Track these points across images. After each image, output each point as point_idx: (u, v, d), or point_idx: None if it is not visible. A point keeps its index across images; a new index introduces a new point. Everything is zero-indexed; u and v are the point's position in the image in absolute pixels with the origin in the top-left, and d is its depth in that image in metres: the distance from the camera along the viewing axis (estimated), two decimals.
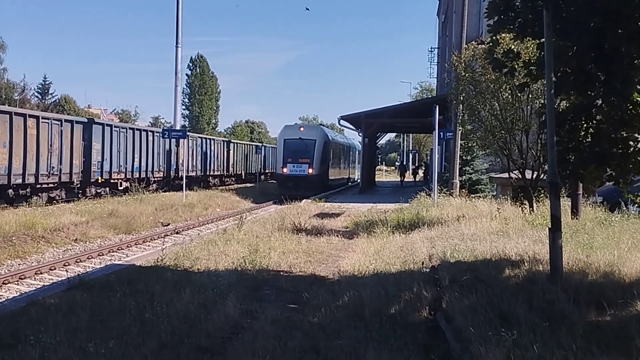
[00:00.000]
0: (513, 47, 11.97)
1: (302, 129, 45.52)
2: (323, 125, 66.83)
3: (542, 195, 18.52)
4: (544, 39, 8.64)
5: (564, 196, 15.62)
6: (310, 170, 42.38)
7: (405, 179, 60.40)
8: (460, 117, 21.82)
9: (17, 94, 69.95)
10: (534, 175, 17.98)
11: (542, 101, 14.30)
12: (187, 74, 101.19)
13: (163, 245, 16.69)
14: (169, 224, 26.31)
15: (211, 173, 47.99)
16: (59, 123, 28.56)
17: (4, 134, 24.48)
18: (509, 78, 13.48)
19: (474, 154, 29.13)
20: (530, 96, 17.41)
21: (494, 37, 9.61)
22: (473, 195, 25.58)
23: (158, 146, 38.80)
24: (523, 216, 16.94)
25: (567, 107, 9.46)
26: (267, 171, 61.65)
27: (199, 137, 47.84)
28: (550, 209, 9.35)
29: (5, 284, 14.62)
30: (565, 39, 8.50)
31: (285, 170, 42.60)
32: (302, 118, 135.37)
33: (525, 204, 18.21)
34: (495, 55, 9.76)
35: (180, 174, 38.81)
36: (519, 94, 17.30)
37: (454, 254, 12.41)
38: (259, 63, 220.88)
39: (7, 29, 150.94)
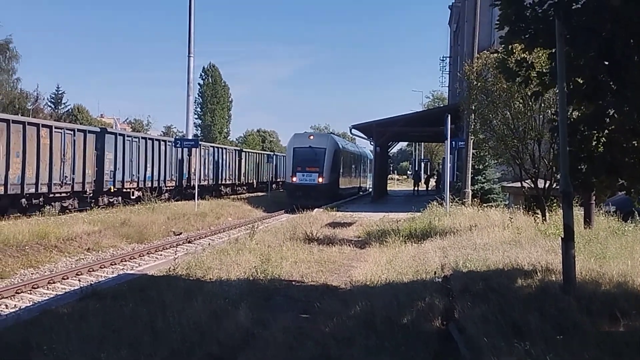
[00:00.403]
0: (525, 56, 11.94)
1: (312, 137, 44.22)
2: (334, 133, 66.04)
3: (554, 204, 18.45)
4: (555, 49, 8.63)
5: (576, 205, 15.56)
6: (320, 180, 41.20)
7: (419, 188, 60.06)
8: (472, 126, 21.79)
9: (31, 103, 70.08)
10: (547, 185, 17.93)
11: (554, 110, 14.27)
12: (199, 83, 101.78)
13: (175, 254, 16.72)
14: (181, 233, 26.36)
15: (223, 182, 48.05)
16: (72, 133, 28.72)
17: (17, 144, 24.61)
18: (522, 87, 13.44)
19: (486, 163, 29.08)
20: (542, 105, 17.37)
21: (507, 47, 9.59)
22: (485, 205, 25.53)
23: (170, 155, 38.95)
24: (535, 225, 16.87)
25: (579, 117, 9.43)
26: (278, 180, 61.67)
27: (211, 146, 47.95)
28: (563, 218, 9.31)
29: (19, 293, 14.70)
30: (576, 48, 8.48)
31: (294, 179, 41.71)
32: (314, 127, 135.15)
33: (537, 214, 18.15)
34: (508, 65, 9.74)
35: (192, 183, 38.87)
36: (531, 103, 17.29)
37: (466, 263, 12.37)
38: (270, 72, 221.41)
39: (21, 39, 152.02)
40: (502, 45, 9.58)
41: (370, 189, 55.37)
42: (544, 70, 9.86)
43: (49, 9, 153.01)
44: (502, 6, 8.67)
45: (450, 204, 25.38)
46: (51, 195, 26.96)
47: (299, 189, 40.82)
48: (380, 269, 13.59)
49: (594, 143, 8.86)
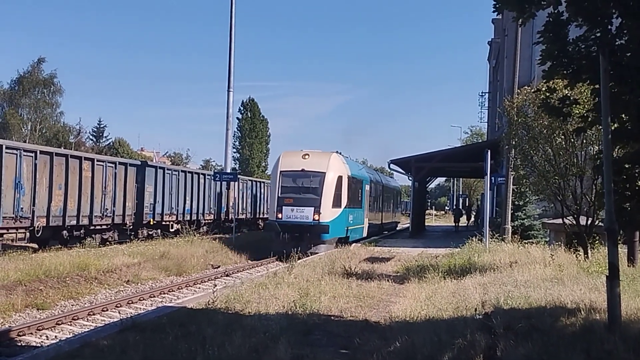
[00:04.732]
0: (568, 92, 11.87)
1: (306, 156, 31.70)
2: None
3: (596, 241, 18.21)
4: (599, 85, 8.56)
5: (619, 243, 15.33)
6: (317, 217, 30.03)
7: (460, 224, 58.90)
8: (513, 162, 21.67)
9: (73, 137, 71.54)
10: (589, 221, 17.71)
11: (597, 147, 14.14)
12: (238, 118, 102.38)
13: (214, 287, 16.73)
14: (219, 267, 26.45)
15: (261, 215, 48.09)
16: (113, 165, 29.14)
17: (60, 176, 25.00)
18: (563, 123, 13.36)
19: (527, 199, 28.80)
20: (584, 141, 17.24)
21: (549, 86, 9.54)
22: (525, 241, 25.23)
23: (209, 189, 39.23)
24: (577, 263, 16.66)
25: (624, 154, 9.32)
26: None
27: (249, 179, 48.24)
28: (607, 256, 9.17)
29: (59, 324, 14.82)
30: (621, 84, 8.41)
31: (280, 215, 30.32)
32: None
33: (579, 251, 17.92)
34: (552, 103, 9.66)
35: (230, 217, 39.04)
36: (573, 139, 17.16)
37: (507, 300, 12.23)
38: (308, 107, 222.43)
39: (65, 74, 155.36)
40: (544, 80, 9.55)
41: (399, 227, 54.45)
42: (587, 106, 9.77)
43: (93, 47, 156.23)
44: (545, 42, 8.65)
45: (490, 240, 25.13)
46: (92, 227, 27.30)
47: (287, 230, 29.88)
48: (419, 305, 13.47)
49: (638, 182, 8.76)
